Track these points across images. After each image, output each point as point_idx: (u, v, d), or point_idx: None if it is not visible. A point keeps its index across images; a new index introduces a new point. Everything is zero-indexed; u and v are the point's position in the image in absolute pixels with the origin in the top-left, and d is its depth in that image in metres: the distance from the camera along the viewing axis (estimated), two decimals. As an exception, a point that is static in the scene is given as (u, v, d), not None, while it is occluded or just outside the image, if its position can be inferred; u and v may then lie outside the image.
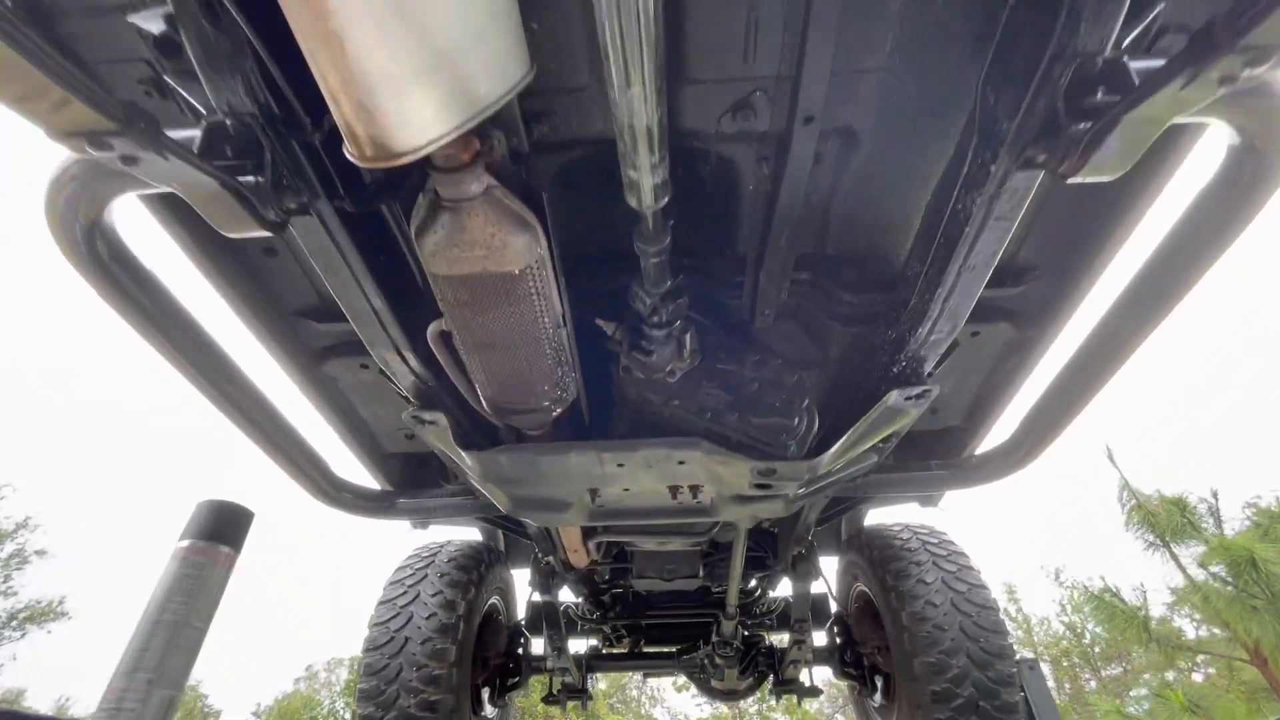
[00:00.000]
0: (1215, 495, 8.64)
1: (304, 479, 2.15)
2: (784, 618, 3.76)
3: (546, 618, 3.28)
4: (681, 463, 1.67)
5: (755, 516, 2.01)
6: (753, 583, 4.06)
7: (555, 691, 3.87)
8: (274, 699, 29.98)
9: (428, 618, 2.93)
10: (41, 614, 25.62)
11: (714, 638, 3.19)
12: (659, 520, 2.03)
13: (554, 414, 1.62)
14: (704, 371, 1.69)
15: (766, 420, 1.64)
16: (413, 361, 1.53)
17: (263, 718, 29.60)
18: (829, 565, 3.77)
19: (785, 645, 3.44)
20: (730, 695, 3.74)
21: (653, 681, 30.05)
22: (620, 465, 1.69)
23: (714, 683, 3.63)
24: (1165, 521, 8.64)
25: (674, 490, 1.81)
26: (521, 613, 3.88)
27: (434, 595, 3.02)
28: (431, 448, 1.80)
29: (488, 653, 3.31)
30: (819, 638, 3.60)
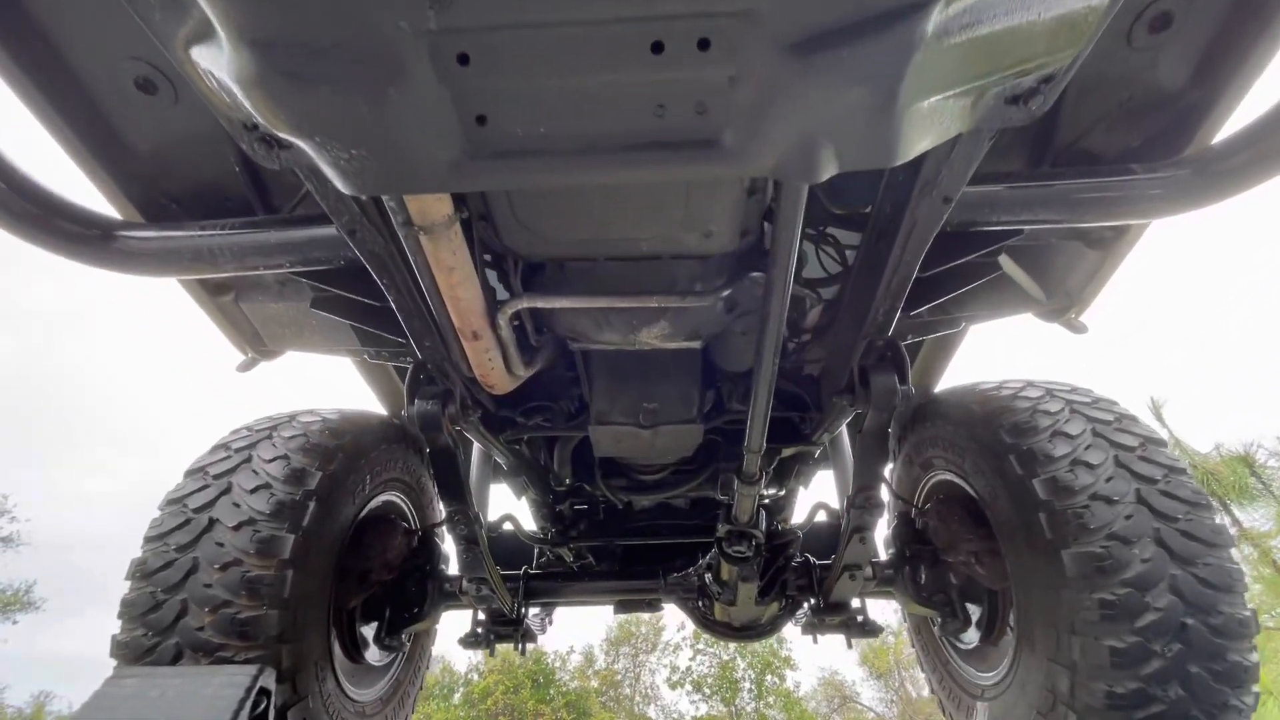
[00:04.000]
0: (1288, 448, 7.52)
1: None
2: (822, 536, 2.60)
3: (444, 482, 1.99)
4: None
5: (820, 144, 0.84)
6: (772, 489, 2.94)
7: (477, 627, 2.64)
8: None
9: (254, 490, 1.77)
10: (9, 603, 24.25)
11: (720, 530, 1.98)
12: (614, 164, 0.88)
13: None
14: None
15: None
16: None
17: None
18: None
19: (829, 559, 2.27)
20: (745, 632, 2.37)
21: (646, 678, 28.69)
22: None
23: (718, 611, 2.29)
24: (1230, 481, 7.54)
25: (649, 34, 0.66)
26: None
27: (273, 460, 1.86)
28: None
29: (369, 563, 2.12)
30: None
